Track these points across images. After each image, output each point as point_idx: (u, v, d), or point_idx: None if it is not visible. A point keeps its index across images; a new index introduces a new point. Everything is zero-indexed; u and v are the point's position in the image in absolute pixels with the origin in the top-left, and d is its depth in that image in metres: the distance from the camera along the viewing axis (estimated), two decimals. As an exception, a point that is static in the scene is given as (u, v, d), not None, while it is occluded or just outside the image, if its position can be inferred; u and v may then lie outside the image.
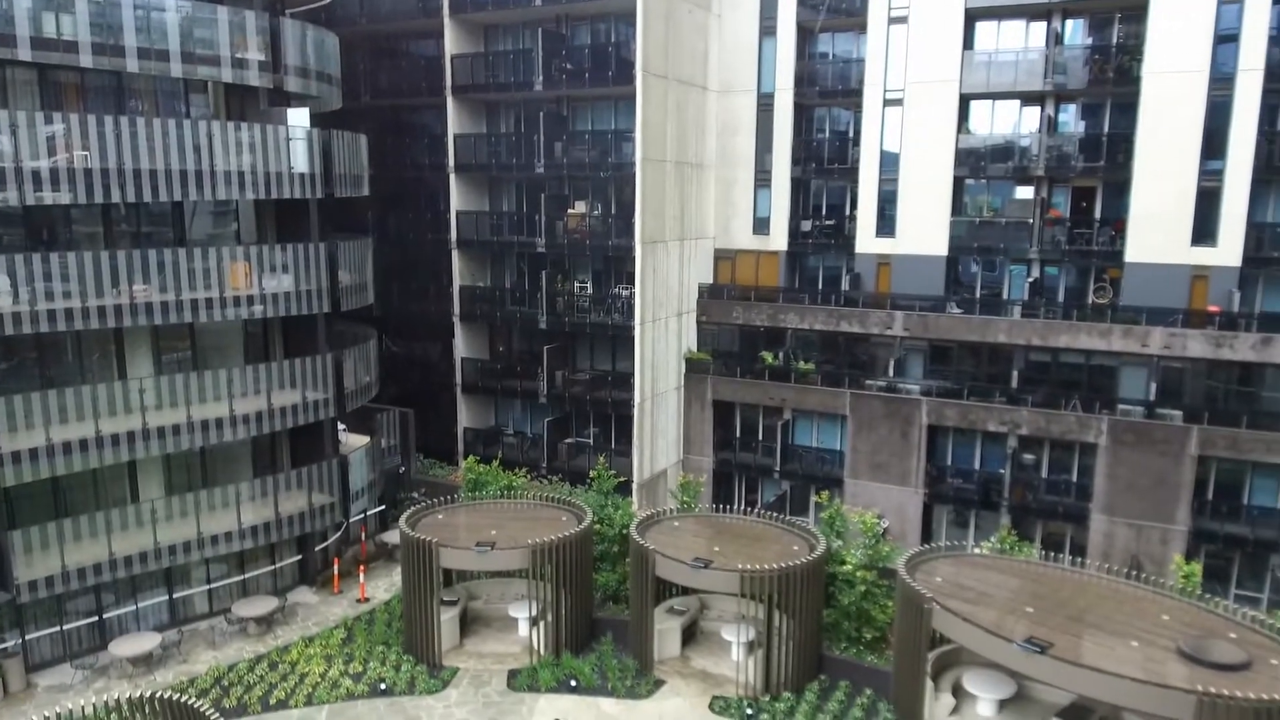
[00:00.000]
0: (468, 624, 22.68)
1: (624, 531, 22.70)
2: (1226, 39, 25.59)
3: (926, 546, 21.36)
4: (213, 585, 23.29)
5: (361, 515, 26.76)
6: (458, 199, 32.07)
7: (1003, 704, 18.66)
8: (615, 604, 23.09)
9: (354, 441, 26.65)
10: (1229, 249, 26.27)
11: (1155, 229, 26.96)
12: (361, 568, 25.20)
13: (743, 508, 28.15)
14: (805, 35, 31.87)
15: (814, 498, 30.12)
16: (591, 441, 32.70)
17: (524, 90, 30.74)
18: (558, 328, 31.63)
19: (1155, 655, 15.98)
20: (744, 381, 31.99)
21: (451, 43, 31.04)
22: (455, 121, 31.61)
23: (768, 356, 31.86)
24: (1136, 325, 26.77)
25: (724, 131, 32.81)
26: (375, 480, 26.76)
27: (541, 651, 21.04)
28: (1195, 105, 26.07)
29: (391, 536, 26.52)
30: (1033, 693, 18.94)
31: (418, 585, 20.97)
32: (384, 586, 25.30)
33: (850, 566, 20.62)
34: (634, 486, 29.83)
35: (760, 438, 32.65)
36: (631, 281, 29.54)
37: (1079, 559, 22.13)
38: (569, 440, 32.51)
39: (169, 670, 20.91)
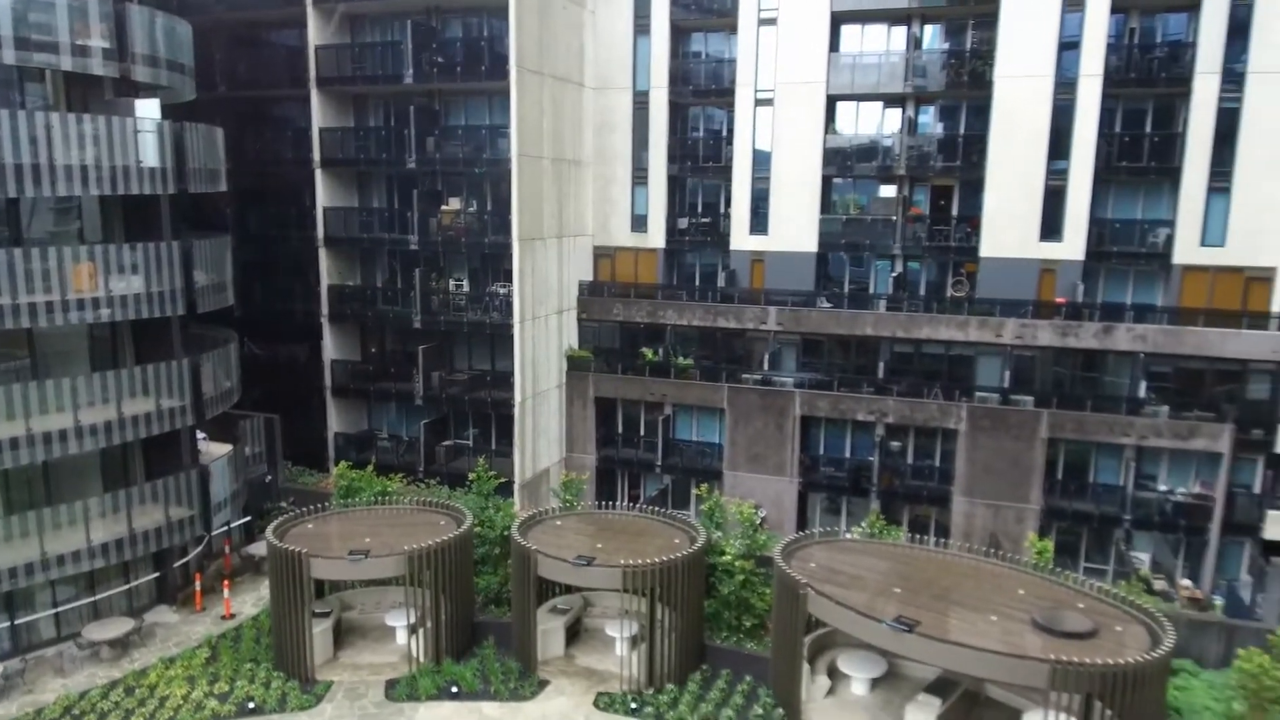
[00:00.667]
0: (342, 635, 21.93)
1: (505, 533, 22.41)
2: (1069, 46, 27.32)
3: (801, 534, 21.95)
4: (60, 608, 21.64)
5: (225, 528, 25.48)
6: (325, 195, 30.92)
7: (875, 682, 19.39)
8: (498, 606, 22.76)
9: (215, 450, 25.33)
10: (1074, 244, 28.07)
11: (1007, 225, 28.55)
12: (226, 583, 23.98)
13: (625, 503, 28.32)
14: (679, 34, 32.24)
15: (695, 491, 30.54)
16: (471, 443, 32.18)
17: (394, 83, 29.92)
18: (433, 327, 30.95)
19: (1013, 628, 16.89)
20: (625, 378, 32.13)
21: (315, 33, 29.89)
22: (321, 114, 30.46)
23: (648, 353, 32.10)
24: (991, 317, 28.30)
25: (601, 129, 32.83)
26: (239, 490, 25.52)
27: (421, 659, 20.54)
28: (1042, 108, 27.72)
29: (259, 548, 25.36)
30: (903, 670, 19.75)
31: (287, 598, 20.11)
32: (251, 601, 24.16)
33: (729, 557, 20.97)
34: (516, 487, 29.50)
35: (642, 433, 32.87)
36: (509, 279, 29.18)
37: (943, 539, 23.25)
38: (447, 442, 31.88)
39: (12, 702, 19.34)
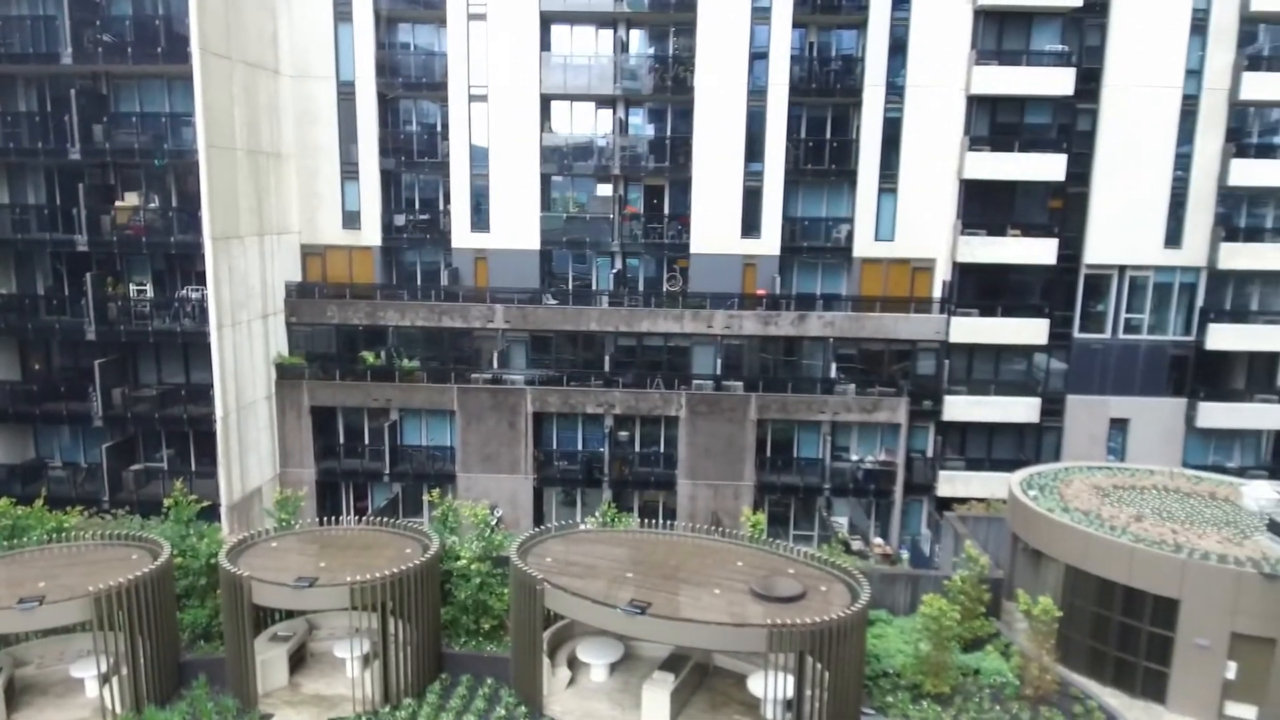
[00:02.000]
0: (15, 696, 18.86)
1: (213, 561, 20.36)
2: (760, 56, 29.58)
3: (538, 529, 21.95)
4: None
5: None
6: (-36, 189, 26.44)
7: (613, 667, 19.82)
8: (208, 642, 20.65)
9: None
10: (770, 240, 30.48)
11: (713, 223, 30.42)
12: None
13: (351, 517, 26.86)
14: (385, 23, 30.97)
15: (427, 497, 29.57)
16: (166, 465, 29.12)
17: (49, 63, 26.26)
18: (112, 338, 27.55)
19: (735, 599, 17.95)
20: (344, 384, 30.46)
21: (-59, -3, 25.44)
22: (-46, 94, 25.99)
23: (369, 356, 30.64)
24: (703, 310, 30.06)
25: (302, 120, 30.80)
26: None
27: (117, 710, 18.15)
28: (737, 113, 29.78)
29: (-106, 610, 21.10)
30: (639, 651, 20.36)
31: (-65, 665, 16.92)
32: (-114, 675, 20.06)
33: (465, 561, 20.51)
34: (223, 510, 27.03)
35: (366, 441, 31.37)
36: (203, 281, 26.60)
37: (670, 522, 24.30)
38: (136, 466, 28.66)
39: None
